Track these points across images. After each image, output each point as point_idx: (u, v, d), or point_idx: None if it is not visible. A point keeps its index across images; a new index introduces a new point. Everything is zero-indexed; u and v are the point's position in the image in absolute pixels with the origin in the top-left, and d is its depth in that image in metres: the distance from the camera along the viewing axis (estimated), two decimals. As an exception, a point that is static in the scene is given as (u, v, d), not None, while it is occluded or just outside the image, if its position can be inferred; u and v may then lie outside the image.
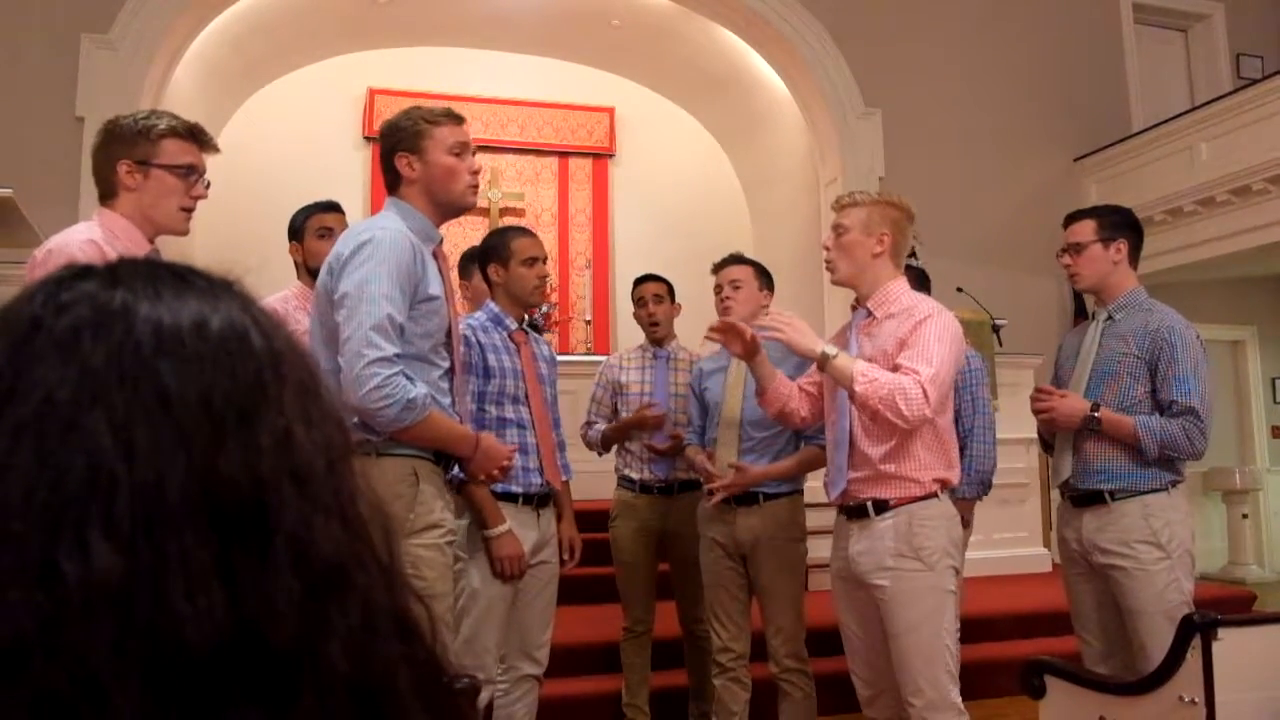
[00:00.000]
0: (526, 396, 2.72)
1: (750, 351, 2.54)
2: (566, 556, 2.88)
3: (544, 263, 2.83)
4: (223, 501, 0.43)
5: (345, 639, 0.45)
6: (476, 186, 2.23)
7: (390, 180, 2.20)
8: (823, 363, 2.32)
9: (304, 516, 0.45)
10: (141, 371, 0.43)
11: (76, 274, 0.47)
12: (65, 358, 0.42)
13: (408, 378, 1.97)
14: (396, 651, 0.48)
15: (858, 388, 2.25)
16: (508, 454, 2.22)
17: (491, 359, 2.68)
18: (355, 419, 1.97)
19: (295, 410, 0.48)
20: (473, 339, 2.67)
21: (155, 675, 0.39)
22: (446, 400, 2.14)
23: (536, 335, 2.96)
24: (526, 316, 2.88)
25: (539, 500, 2.68)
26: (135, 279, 0.47)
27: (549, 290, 7.95)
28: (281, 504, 0.45)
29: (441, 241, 2.21)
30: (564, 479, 2.87)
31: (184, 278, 0.49)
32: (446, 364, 2.17)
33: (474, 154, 2.22)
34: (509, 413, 2.68)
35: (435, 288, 2.10)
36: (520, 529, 2.57)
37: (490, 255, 2.81)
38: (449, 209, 2.21)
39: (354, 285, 1.97)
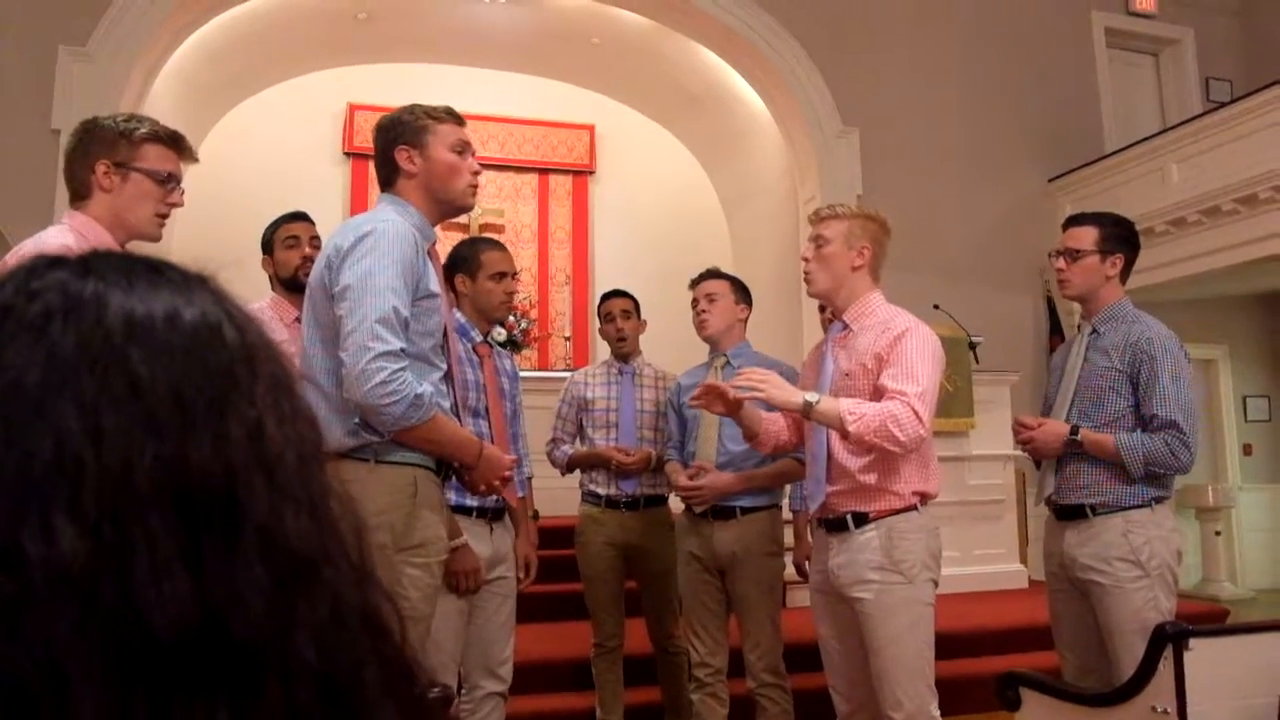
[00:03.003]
0: (487, 410, 2.68)
1: (733, 409, 2.51)
2: (522, 574, 2.83)
3: (513, 278, 2.78)
4: (191, 490, 0.42)
5: (313, 631, 0.44)
6: (476, 187, 2.17)
7: (386, 176, 2.12)
8: (807, 412, 2.29)
9: (274, 508, 0.45)
10: (112, 358, 0.43)
11: (49, 263, 0.47)
12: (34, 341, 0.42)
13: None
14: (366, 648, 0.47)
15: (850, 428, 2.24)
16: (510, 464, 2.14)
17: (454, 370, 2.66)
18: (357, 419, 1.90)
19: (267, 403, 0.48)
20: None
21: (119, 660, 0.38)
22: (448, 404, 2.07)
23: (500, 350, 2.92)
24: (503, 330, 2.86)
25: (492, 514, 2.63)
26: (108, 269, 0.47)
27: (528, 306, 7.96)
28: (251, 494, 0.44)
29: (436, 242, 2.14)
30: (519, 495, 2.82)
31: (158, 270, 0.49)
32: (445, 366, 2.10)
33: (473, 155, 2.16)
34: (468, 425, 2.62)
35: (435, 285, 2.04)
36: (473, 542, 2.51)
37: (458, 266, 2.78)
38: (447, 208, 2.14)
39: (357, 277, 1.89)
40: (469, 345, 2.71)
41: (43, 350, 0.42)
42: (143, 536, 0.40)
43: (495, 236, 8.02)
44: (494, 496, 2.54)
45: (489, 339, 2.80)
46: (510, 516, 2.75)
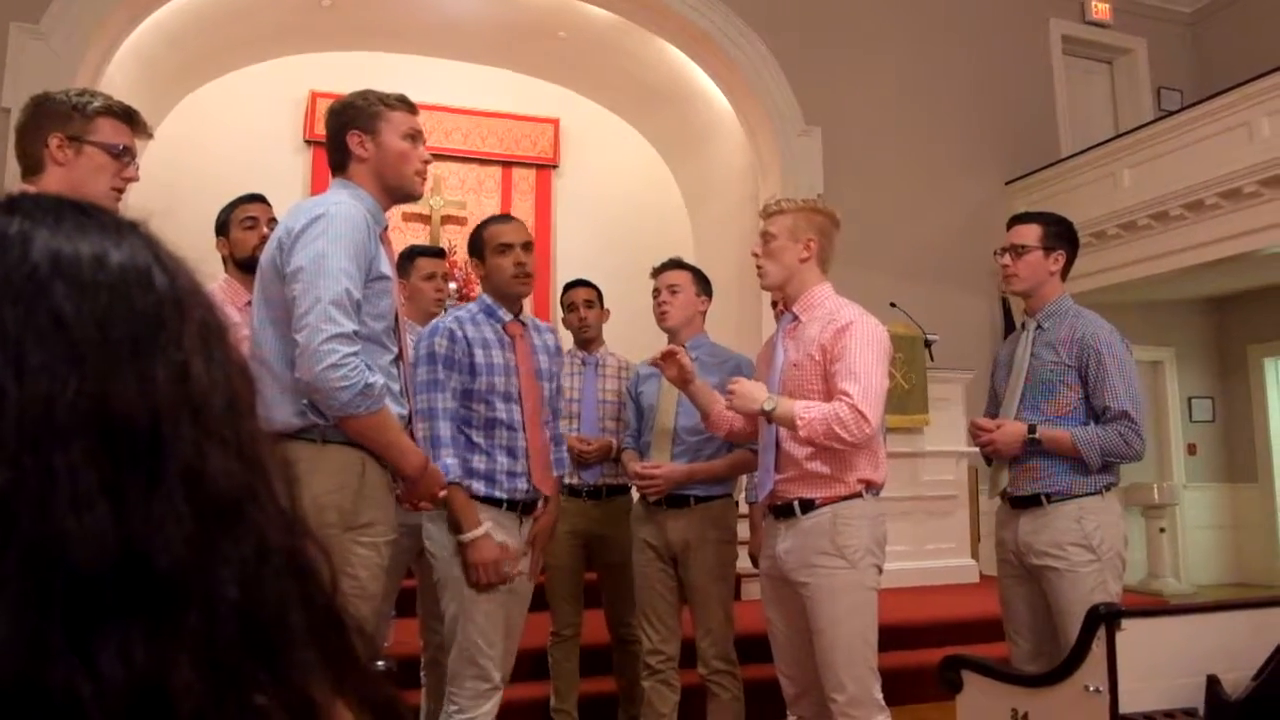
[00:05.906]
0: (519, 395, 2.55)
1: (684, 380, 2.58)
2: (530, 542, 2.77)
3: (523, 249, 2.58)
4: (114, 425, 0.43)
5: (236, 569, 0.45)
6: (425, 175, 2.19)
7: (338, 160, 2.14)
8: (768, 417, 2.40)
9: (199, 448, 0.46)
10: (36, 293, 0.43)
11: (-27, 203, 0.47)
12: None
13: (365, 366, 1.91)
14: (291, 589, 0.48)
15: (800, 431, 2.32)
16: (444, 484, 2.20)
17: (479, 355, 2.50)
18: (305, 401, 1.91)
19: (195, 346, 0.48)
20: (459, 333, 2.51)
21: (36, 586, 0.39)
22: (397, 387, 2.09)
23: (538, 324, 2.75)
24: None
25: (524, 507, 2.54)
26: (35, 209, 0.47)
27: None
28: (176, 434, 0.45)
29: (387, 227, 2.16)
30: (556, 473, 2.71)
31: (86, 213, 0.49)
32: (395, 350, 2.12)
33: (424, 143, 2.20)
34: (500, 412, 2.50)
35: (386, 268, 2.06)
36: (504, 535, 2.45)
37: (471, 250, 2.69)
38: (397, 194, 2.16)
39: (309, 259, 1.90)
40: (498, 326, 2.58)
41: None
42: (64, 468, 0.41)
43: (456, 228, 8.02)
44: (526, 489, 2.50)
45: (520, 318, 2.64)
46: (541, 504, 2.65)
